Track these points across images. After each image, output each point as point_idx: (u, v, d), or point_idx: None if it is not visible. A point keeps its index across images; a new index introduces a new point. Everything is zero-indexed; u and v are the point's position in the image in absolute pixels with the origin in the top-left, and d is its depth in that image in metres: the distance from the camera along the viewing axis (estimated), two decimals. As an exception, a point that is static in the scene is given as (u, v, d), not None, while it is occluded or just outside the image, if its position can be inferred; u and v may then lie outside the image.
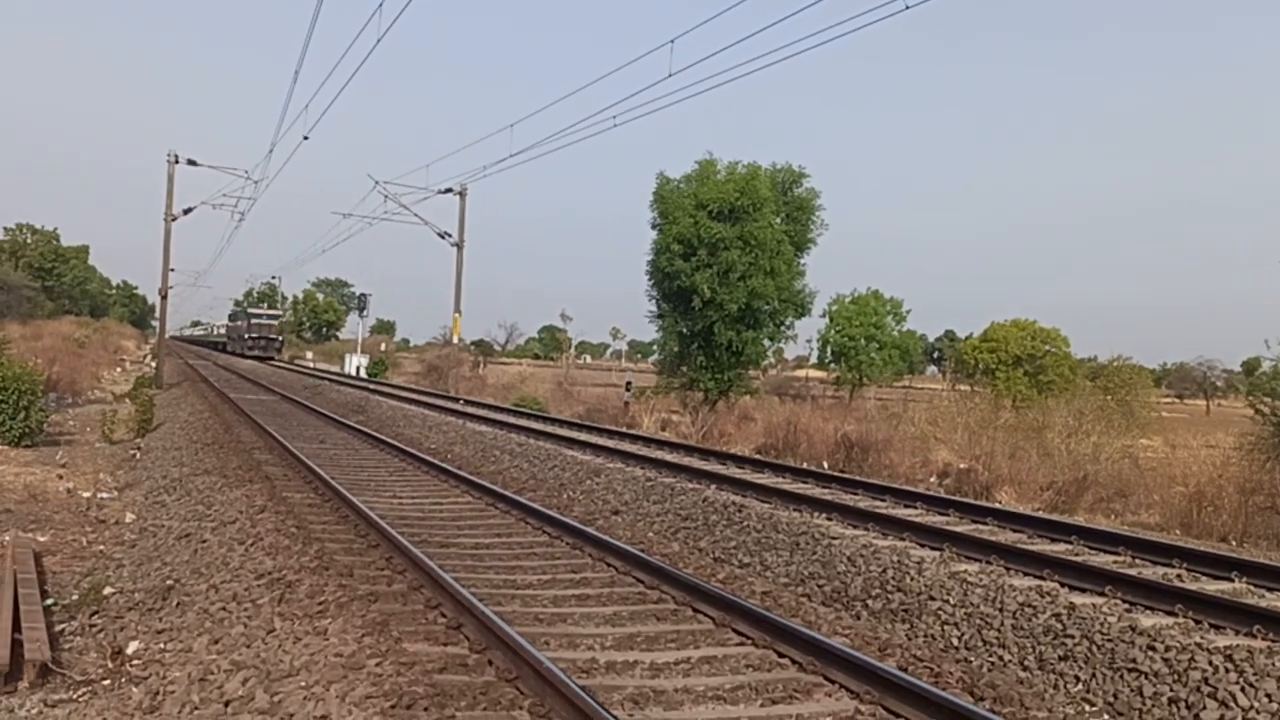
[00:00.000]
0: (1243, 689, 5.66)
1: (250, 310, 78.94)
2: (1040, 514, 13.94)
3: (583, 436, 19.46)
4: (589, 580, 8.60)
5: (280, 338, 76.13)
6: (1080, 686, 6.28)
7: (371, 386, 39.20)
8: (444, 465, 15.38)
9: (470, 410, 25.86)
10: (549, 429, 20.41)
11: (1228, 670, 5.82)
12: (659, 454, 16.34)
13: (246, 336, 72.80)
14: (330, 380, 42.89)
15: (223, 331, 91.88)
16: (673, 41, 16.03)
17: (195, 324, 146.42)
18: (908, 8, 12.23)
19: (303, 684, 5.72)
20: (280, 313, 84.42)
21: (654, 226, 36.42)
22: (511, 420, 23.33)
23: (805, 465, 19.66)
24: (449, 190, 36.59)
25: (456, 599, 7.13)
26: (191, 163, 37.48)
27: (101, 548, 11.45)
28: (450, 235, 36.93)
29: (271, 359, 71.35)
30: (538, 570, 8.91)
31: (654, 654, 6.52)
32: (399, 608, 7.32)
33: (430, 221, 37.17)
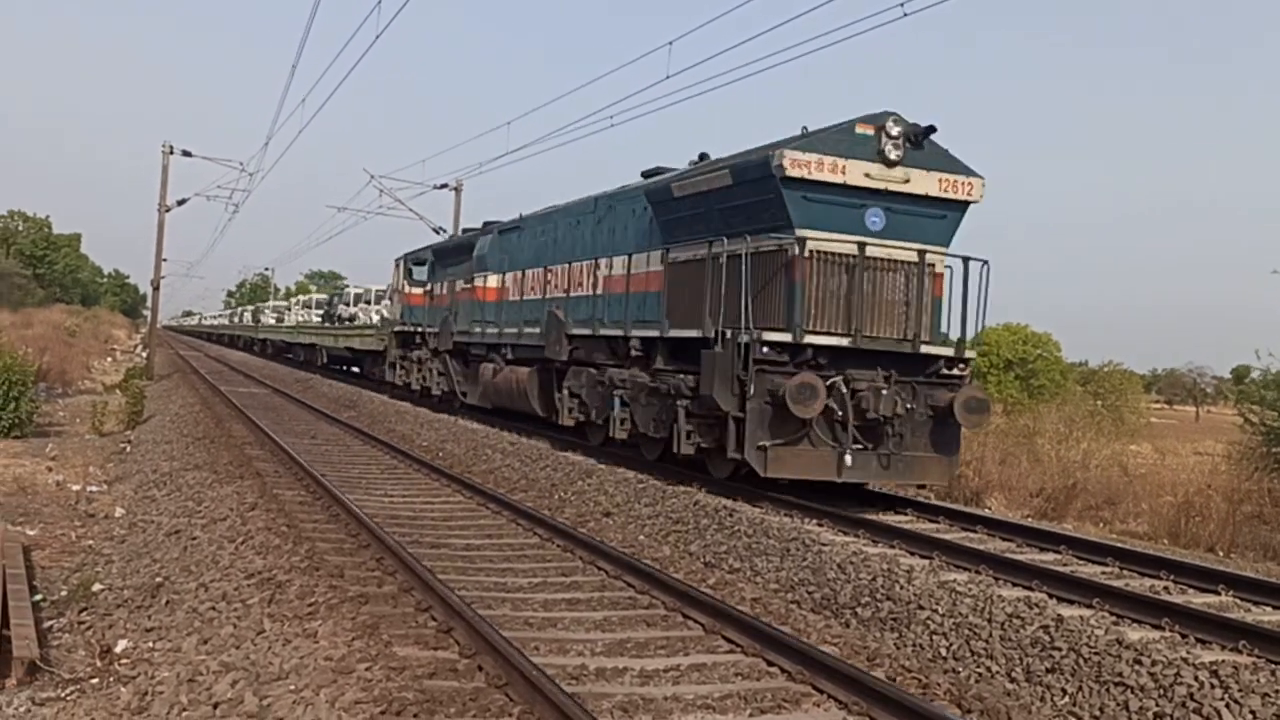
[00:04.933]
0: (1228, 705, 5.70)
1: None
2: (1029, 521, 13.99)
3: (574, 436, 19.43)
4: (580, 584, 8.61)
5: None
6: (1067, 700, 6.31)
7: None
8: (435, 464, 15.38)
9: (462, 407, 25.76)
10: (541, 427, 20.38)
11: (1213, 686, 5.86)
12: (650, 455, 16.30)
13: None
14: (321, 374, 42.77)
15: (358, 314, 42.22)
16: (671, 43, 15.91)
17: (209, 310, 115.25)
18: (905, 15, 12.13)
19: (292, 687, 5.73)
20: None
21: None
22: (503, 418, 23.29)
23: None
24: (444, 186, 36.55)
25: (447, 602, 7.14)
26: (186, 154, 37.38)
27: (90, 543, 11.44)
28: (445, 231, 36.88)
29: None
30: (529, 573, 8.92)
31: (644, 660, 6.53)
32: (389, 610, 7.33)
33: (425, 216, 36.94)
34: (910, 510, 11.66)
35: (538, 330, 17.18)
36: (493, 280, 20.17)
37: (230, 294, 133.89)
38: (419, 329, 24.75)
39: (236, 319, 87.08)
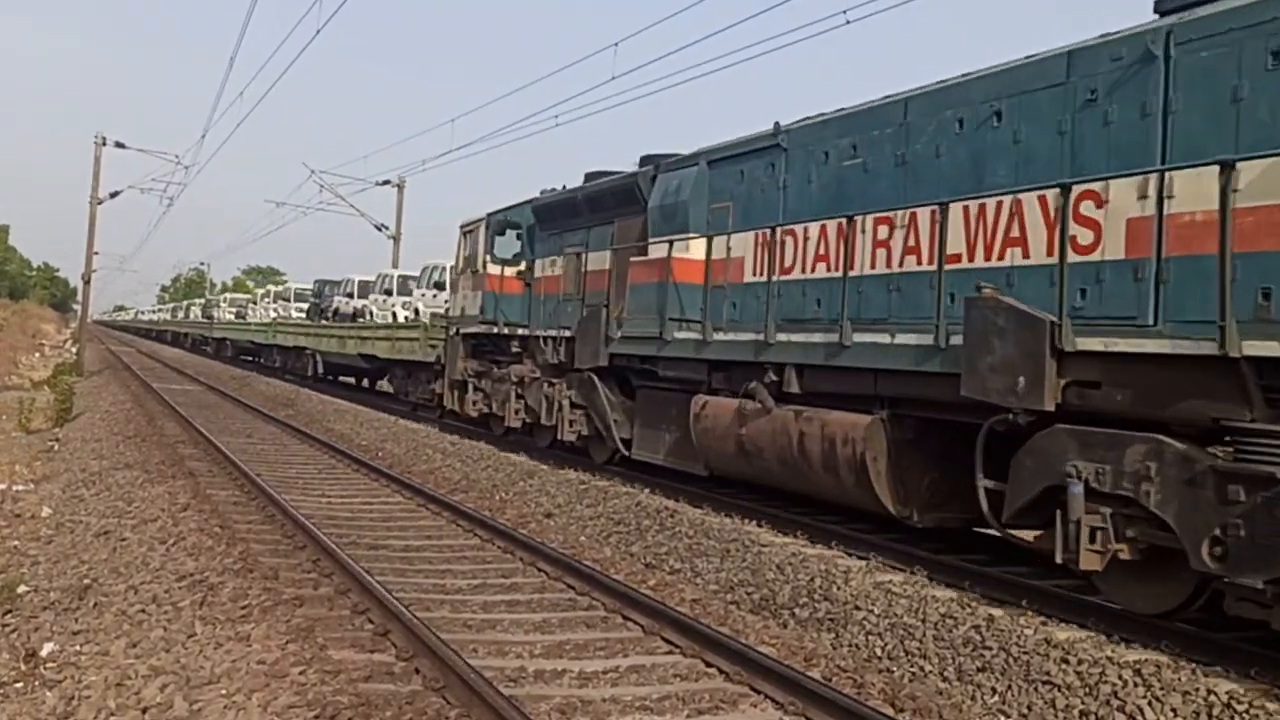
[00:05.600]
0: (1150, 703, 5.85)
1: None
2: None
3: (516, 436, 19.36)
4: (520, 585, 8.61)
5: None
6: (997, 698, 6.44)
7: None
8: (375, 463, 15.25)
9: (403, 406, 25.58)
10: (482, 429, 20.28)
11: (1136, 684, 6.01)
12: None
13: None
14: (258, 371, 42.13)
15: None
16: (616, 45, 16.00)
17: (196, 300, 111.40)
18: (848, 22, 12.27)
19: (223, 692, 5.66)
20: None
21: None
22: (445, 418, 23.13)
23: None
24: (386, 182, 36.26)
25: (384, 604, 7.11)
26: (120, 145, 36.68)
27: (16, 543, 11.15)
28: (387, 227, 36.60)
29: None
30: (468, 574, 8.89)
31: (583, 662, 6.55)
32: (325, 612, 7.27)
33: (367, 213, 36.54)
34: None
35: (908, 341, 8.67)
36: (717, 247, 11.36)
37: (164, 289, 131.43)
38: (515, 331, 16.35)
39: (181, 314, 76.02)
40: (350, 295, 34.39)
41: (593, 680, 6.21)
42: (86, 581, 8.92)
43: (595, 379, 13.85)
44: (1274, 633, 6.93)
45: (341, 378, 32.26)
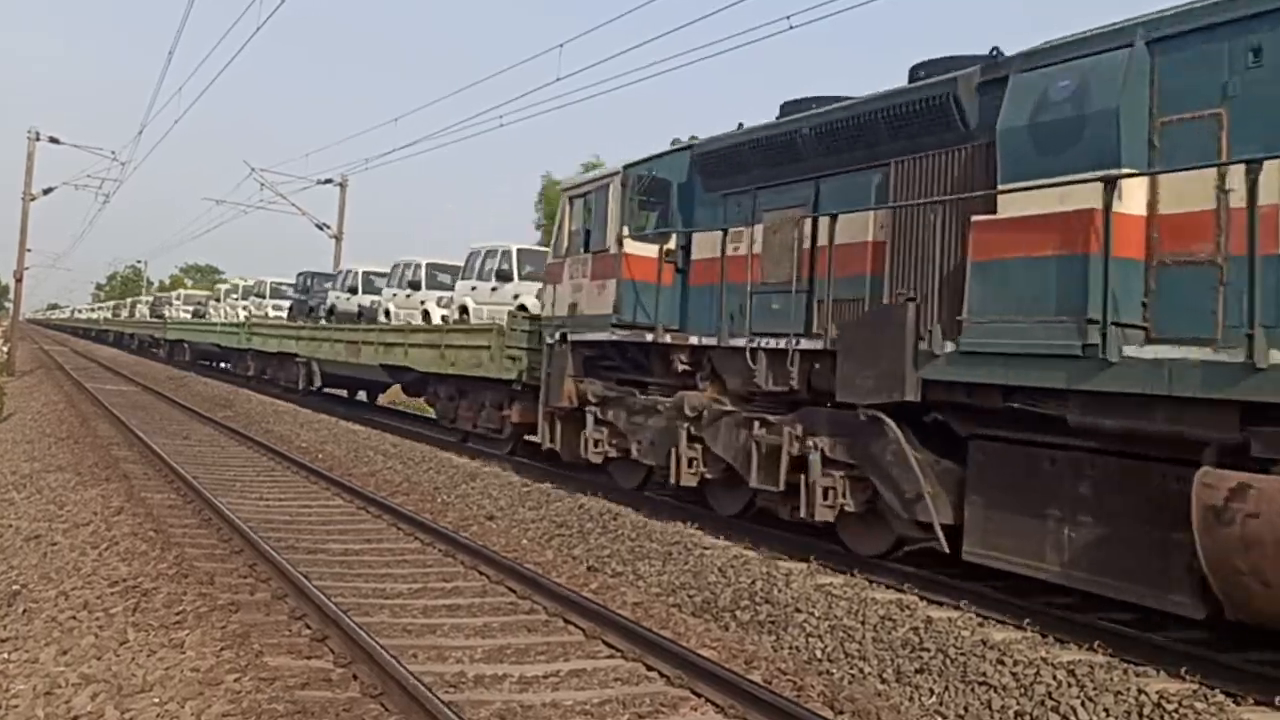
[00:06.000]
0: (1083, 703, 5.97)
1: None
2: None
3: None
4: (461, 590, 8.55)
5: None
6: (934, 699, 6.52)
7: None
8: (315, 466, 15.05)
9: (343, 407, 25.28)
10: (424, 430, 20.12)
11: (1070, 685, 6.13)
12: (535, 460, 16.28)
13: None
14: (196, 372, 41.39)
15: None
16: (561, 46, 16.05)
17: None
18: (791, 27, 12.28)
19: (156, 700, 5.55)
20: None
21: (539, 227, 36.45)
22: (385, 419, 22.92)
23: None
24: (329, 181, 35.85)
25: (322, 609, 7.02)
26: (54, 140, 35.86)
27: (-60, 548, 10.83)
28: (329, 227, 36.20)
29: None
30: (409, 579, 8.81)
31: (524, 667, 6.52)
32: (262, 618, 7.16)
33: (309, 212, 36.14)
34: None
35: None
36: (1181, 191, 6.66)
37: (99, 286, 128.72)
38: (684, 340, 11.12)
39: (125, 312, 68.40)
40: (352, 290, 27.00)
41: (533, 685, 6.18)
42: (15, 587, 8.70)
43: (886, 423, 8.39)
44: (1205, 634, 7.13)
45: (327, 392, 27.19)
